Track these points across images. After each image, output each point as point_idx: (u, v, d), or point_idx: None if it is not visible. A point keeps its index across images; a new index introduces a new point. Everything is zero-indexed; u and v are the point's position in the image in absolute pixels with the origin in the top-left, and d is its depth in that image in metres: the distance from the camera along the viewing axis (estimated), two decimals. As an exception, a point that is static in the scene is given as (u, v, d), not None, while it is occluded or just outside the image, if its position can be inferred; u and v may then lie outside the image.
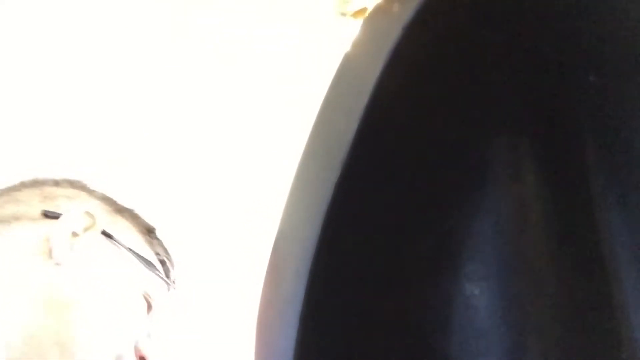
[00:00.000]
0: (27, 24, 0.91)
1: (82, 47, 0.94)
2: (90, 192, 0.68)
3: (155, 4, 0.89)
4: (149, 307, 0.64)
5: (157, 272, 0.66)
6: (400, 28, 0.28)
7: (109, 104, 0.99)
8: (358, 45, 0.33)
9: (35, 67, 0.96)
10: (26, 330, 0.53)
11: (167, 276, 0.69)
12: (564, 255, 0.31)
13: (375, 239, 0.32)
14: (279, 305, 0.32)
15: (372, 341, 0.32)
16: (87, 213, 0.62)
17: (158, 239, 0.71)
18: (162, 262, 0.69)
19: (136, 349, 0.59)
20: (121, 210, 0.69)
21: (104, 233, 0.62)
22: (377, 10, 0.33)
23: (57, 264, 0.57)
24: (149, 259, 0.66)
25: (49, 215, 0.61)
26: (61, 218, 0.60)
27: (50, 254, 0.57)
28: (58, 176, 0.68)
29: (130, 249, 0.63)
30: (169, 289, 0.68)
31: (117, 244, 0.63)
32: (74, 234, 0.59)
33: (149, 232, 0.70)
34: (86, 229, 0.61)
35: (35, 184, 0.67)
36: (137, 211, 0.70)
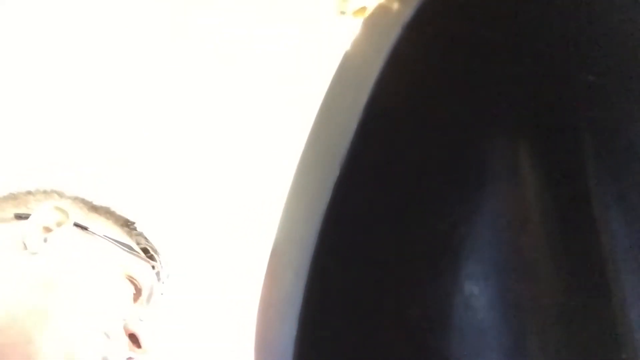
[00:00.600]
0: (27, 24, 0.91)
1: (82, 47, 0.94)
2: (62, 194, 0.72)
3: (155, 4, 0.89)
4: (137, 290, 0.66)
5: (135, 254, 0.68)
6: (400, 27, 0.28)
7: (109, 104, 0.99)
8: (358, 44, 0.33)
9: (35, 67, 0.96)
10: (8, 311, 0.55)
11: (155, 264, 0.71)
12: (564, 255, 0.31)
13: (374, 239, 0.32)
14: (279, 305, 0.32)
15: (372, 341, 0.32)
16: (58, 208, 0.66)
17: (137, 231, 0.73)
18: (145, 250, 0.71)
19: (126, 329, 0.62)
20: (96, 208, 0.72)
21: (78, 225, 0.65)
22: (377, 9, 0.33)
23: (33, 253, 0.60)
24: (129, 245, 0.69)
25: (21, 216, 0.65)
26: (32, 215, 0.64)
27: (25, 246, 0.60)
28: (33, 188, 0.73)
29: (107, 236, 0.66)
30: (159, 278, 0.71)
31: (92, 233, 0.65)
32: (47, 229, 0.63)
33: (127, 224, 0.73)
34: (59, 224, 0.64)
35: (10, 195, 0.71)
36: (114, 208, 0.74)
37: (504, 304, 0.30)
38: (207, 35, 0.91)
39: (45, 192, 0.70)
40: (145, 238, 0.73)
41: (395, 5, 0.30)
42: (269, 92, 0.97)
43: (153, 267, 0.69)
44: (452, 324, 0.30)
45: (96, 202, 0.73)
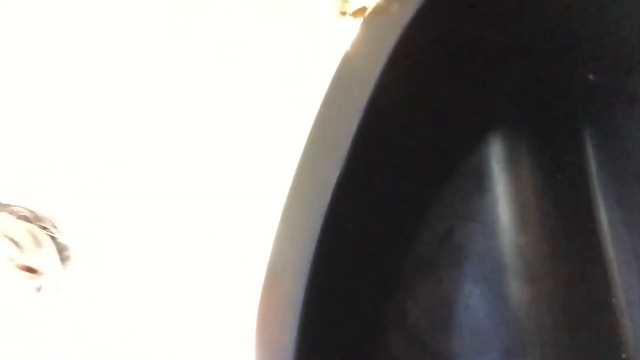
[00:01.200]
0: (27, 23, 0.91)
1: (81, 47, 0.94)
2: None
3: (155, 4, 0.89)
4: (16, 243, 0.76)
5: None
6: (399, 28, 0.28)
7: (108, 104, 0.99)
8: (358, 45, 0.33)
9: (35, 67, 0.96)
10: None
11: (30, 221, 0.79)
12: (564, 255, 0.31)
13: (374, 239, 0.32)
14: (279, 305, 0.32)
15: (372, 341, 0.32)
16: None
17: (3, 203, 0.82)
18: (18, 213, 0.81)
19: (18, 266, 0.72)
20: None
21: None
22: (377, 9, 0.33)
23: None
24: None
25: None
26: None
27: None
28: None
29: None
30: (44, 228, 0.79)
31: None
32: None
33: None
34: None
35: None
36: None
37: (504, 304, 0.30)
38: (207, 35, 0.91)
39: None
40: (17, 206, 0.82)
41: (395, 6, 0.30)
42: (269, 92, 0.97)
43: (28, 219, 0.78)
44: (452, 324, 0.30)
45: None
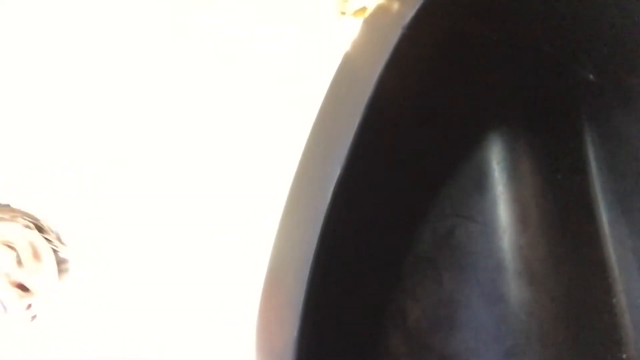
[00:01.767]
0: (27, 23, 0.91)
1: (81, 47, 0.94)
2: None
3: (155, 4, 0.89)
4: (16, 252, 0.76)
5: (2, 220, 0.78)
6: (400, 28, 0.28)
7: (108, 104, 0.99)
8: (358, 45, 0.33)
9: (35, 67, 0.96)
10: None
11: (40, 230, 0.79)
12: (564, 255, 0.31)
13: (375, 239, 0.32)
14: (279, 305, 0.32)
15: (372, 341, 0.32)
16: None
17: (13, 209, 0.83)
18: (23, 220, 0.80)
19: (10, 281, 0.72)
20: None
21: None
22: (377, 9, 0.33)
23: None
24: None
25: None
26: None
27: None
28: None
29: None
30: (43, 234, 0.79)
31: None
32: None
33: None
34: None
35: None
36: None
37: (504, 304, 0.30)
38: (207, 35, 0.91)
39: None
40: (23, 212, 0.82)
41: (396, 6, 0.30)
42: (269, 92, 0.97)
43: (40, 230, 0.77)
44: (452, 324, 0.30)
45: None
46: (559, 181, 0.32)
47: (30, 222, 0.81)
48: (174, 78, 0.94)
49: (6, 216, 0.79)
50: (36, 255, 0.78)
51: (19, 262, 0.76)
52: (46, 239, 0.79)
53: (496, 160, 0.32)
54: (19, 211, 0.81)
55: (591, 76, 0.32)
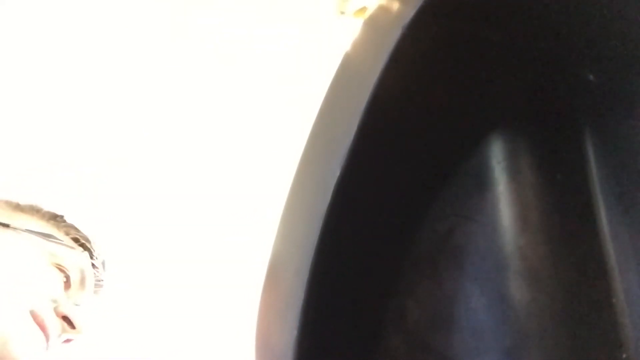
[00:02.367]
0: (27, 24, 0.91)
1: (82, 47, 0.94)
2: None
3: (155, 4, 0.89)
4: (67, 277, 0.72)
5: (59, 242, 0.74)
6: (400, 28, 0.28)
7: (109, 104, 0.99)
8: (358, 45, 0.33)
9: (36, 67, 0.96)
10: None
11: (91, 255, 0.76)
12: (564, 255, 0.31)
13: (375, 239, 0.32)
14: (279, 305, 0.32)
15: (372, 341, 0.32)
16: None
17: (66, 222, 0.80)
18: (76, 240, 0.77)
19: (57, 312, 0.68)
20: (21, 207, 0.78)
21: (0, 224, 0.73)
22: (378, 9, 0.33)
23: None
24: (53, 235, 0.75)
25: None
26: None
27: None
28: None
29: (28, 229, 0.73)
30: (93, 264, 0.76)
31: (14, 229, 0.72)
32: None
33: (55, 218, 0.79)
34: None
35: None
36: (41, 205, 0.79)
37: (504, 304, 0.30)
38: (207, 35, 0.91)
39: None
40: (76, 229, 0.80)
41: (396, 6, 0.30)
42: (269, 92, 0.97)
43: (90, 255, 0.74)
44: (452, 324, 0.30)
45: (22, 202, 0.79)
46: (559, 181, 0.32)
47: (83, 241, 0.78)
48: (174, 78, 0.94)
49: (60, 232, 0.76)
50: (82, 283, 0.74)
51: (67, 286, 0.72)
52: (93, 265, 0.76)
53: (496, 160, 0.32)
54: (72, 226, 0.78)
55: (591, 76, 0.32)
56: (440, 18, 0.30)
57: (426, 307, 0.31)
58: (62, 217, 0.79)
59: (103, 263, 0.78)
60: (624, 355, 0.29)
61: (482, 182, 0.32)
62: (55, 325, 0.68)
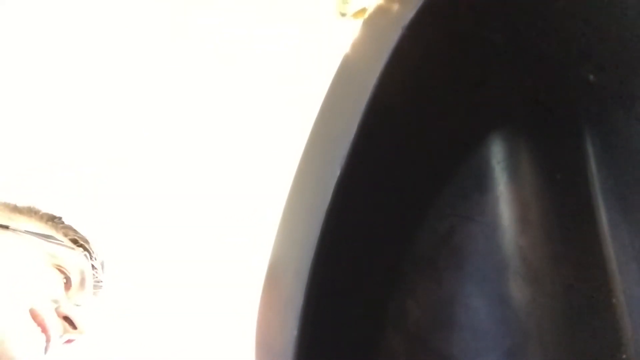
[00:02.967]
0: (27, 24, 0.91)
1: (82, 47, 0.94)
2: None
3: (155, 4, 0.89)
4: (67, 278, 0.73)
5: (58, 243, 0.75)
6: (400, 28, 0.28)
7: (109, 104, 0.99)
8: (358, 45, 0.33)
9: (36, 67, 0.96)
10: None
11: (90, 255, 0.76)
12: (564, 255, 0.31)
13: (375, 240, 0.32)
14: (279, 305, 0.32)
15: (372, 341, 0.32)
16: None
17: (64, 224, 0.80)
18: (75, 241, 0.77)
19: (58, 312, 0.68)
20: (19, 209, 0.79)
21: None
22: (377, 10, 0.33)
23: None
24: (52, 236, 0.75)
25: None
26: None
27: None
28: None
29: (28, 231, 0.73)
30: (93, 265, 0.76)
31: (14, 230, 0.72)
32: None
33: (53, 219, 0.79)
34: None
35: None
36: (38, 207, 0.79)
37: (504, 304, 0.30)
38: (207, 35, 0.91)
39: None
40: (74, 230, 0.80)
41: (395, 7, 0.30)
42: (269, 92, 0.97)
43: (89, 256, 0.75)
44: (452, 324, 0.30)
45: (19, 204, 0.79)
46: (559, 181, 0.32)
47: (81, 242, 0.78)
48: (174, 78, 0.94)
49: (59, 234, 0.77)
50: (82, 283, 0.74)
51: (67, 287, 0.72)
52: (92, 265, 0.76)
53: (496, 160, 0.32)
54: (70, 228, 0.78)
55: (591, 77, 0.32)
56: (440, 18, 0.30)
57: (426, 307, 0.31)
58: (60, 218, 0.79)
59: (102, 264, 0.78)
60: (624, 356, 0.29)
61: (482, 182, 0.32)
62: (56, 325, 0.68)
